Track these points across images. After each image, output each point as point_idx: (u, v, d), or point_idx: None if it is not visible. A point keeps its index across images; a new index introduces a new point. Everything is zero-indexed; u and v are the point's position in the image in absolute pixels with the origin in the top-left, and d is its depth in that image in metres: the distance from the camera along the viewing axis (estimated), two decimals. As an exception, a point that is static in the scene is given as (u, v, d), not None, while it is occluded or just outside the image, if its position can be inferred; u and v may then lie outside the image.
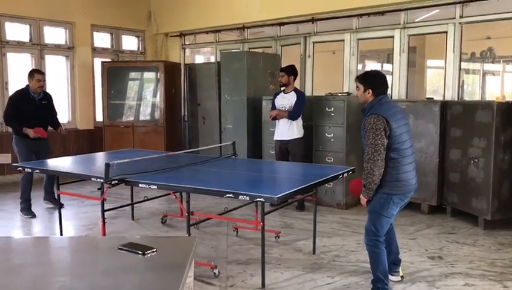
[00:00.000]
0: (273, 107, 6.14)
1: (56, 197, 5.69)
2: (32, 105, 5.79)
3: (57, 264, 2.14)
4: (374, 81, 3.50)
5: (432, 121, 5.74)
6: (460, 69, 6.29)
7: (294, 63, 6.37)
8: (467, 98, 6.90)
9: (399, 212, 3.60)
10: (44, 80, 5.91)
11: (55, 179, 5.05)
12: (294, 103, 5.92)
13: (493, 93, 8.13)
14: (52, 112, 6.11)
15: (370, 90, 3.46)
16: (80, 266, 2.09)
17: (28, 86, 5.82)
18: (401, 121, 3.43)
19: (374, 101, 3.45)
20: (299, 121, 6.01)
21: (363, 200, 3.49)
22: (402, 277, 3.88)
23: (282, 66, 6.33)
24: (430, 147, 5.78)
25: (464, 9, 6.10)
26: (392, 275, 3.76)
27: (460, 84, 6.45)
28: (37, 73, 5.85)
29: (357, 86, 3.58)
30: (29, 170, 4.85)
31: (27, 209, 5.84)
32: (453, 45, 6.21)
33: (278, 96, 6.14)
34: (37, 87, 5.78)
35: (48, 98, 6.02)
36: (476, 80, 8.43)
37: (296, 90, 6.05)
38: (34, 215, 5.81)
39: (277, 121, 6.07)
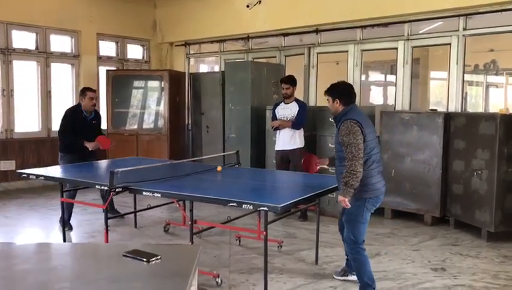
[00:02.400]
0: (274, 117, 6.13)
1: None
2: (84, 124, 5.61)
3: (62, 271, 2.14)
4: (340, 91, 3.74)
5: (436, 133, 5.74)
6: (463, 81, 6.31)
7: (298, 74, 6.43)
8: (470, 110, 6.91)
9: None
10: (96, 98, 5.67)
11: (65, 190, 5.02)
12: (296, 112, 5.93)
13: (496, 105, 8.14)
14: (97, 131, 5.87)
15: (338, 101, 3.68)
16: (85, 272, 2.09)
17: (79, 104, 5.69)
18: (370, 128, 3.62)
19: (345, 109, 3.65)
20: (301, 131, 6.02)
21: (344, 199, 3.49)
22: None
23: (282, 78, 6.28)
24: (433, 158, 5.78)
25: (468, 21, 6.13)
26: (352, 274, 3.93)
27: (464, 96, 6.47)
28: (88, 91, 5.64)
29: (327, 99, 3.81)
30: (34, 177, 4.85)
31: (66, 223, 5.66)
32: (456, 56, 6.23)
33: (278, 107, 6.13)
34: (90, 106, 5.60)
35: (97, 117, 5.86)
36: (480, 92, 8.45)
37: (297, 100, 6.09)
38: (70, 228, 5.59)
39: (278, 131, 6.07)
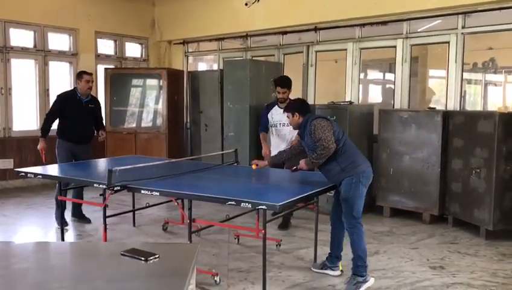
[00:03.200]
0: (265, 119, 5.71)
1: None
2: (79, 107, 5.66)
3: (60, 270, 2.14)
4: (296, 106, 4.12)
5: (434, 131, 5.74)
6: (462, 79, 6.31)
7: (297, 72, 6.38)
8: (468, 108, 6.91)
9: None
10: (93, 81, 5.77)
11: (65, 188, 5.06)
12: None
13: (495, 103, 8.13)
14: (98, 118, 6.00)
15: (297, 114, 4.04)
16: (83, 271, 2.09)
17: (75, 88, 5.77)
18: (334, 123, 4.01)
19: (306, 118, 3.99)
20: (295, 132, 5.55)
21: (304, 166, 3.97)
22: (342, 271, 4.14)
23: (278, 81, 5.71)
24: (432, 156, 5.79)
25: (466, 19, 6.13)
26: (333, 270, 4.12)
27: (463, 94, 6.47)
28: (85, 74, 5.69)
29: (287, 116, 4.16)
30: (32, 176, 4.84)
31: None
32: (455, 55, 6.24)
33: (272, 111, 5.64)
34: (86, 89, 5.66)
35: (95, 102, 5.91)
36: (478, 90, 8.44)
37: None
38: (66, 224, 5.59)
39: (272, 135, 5.69)
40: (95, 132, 5.97)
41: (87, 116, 5.76)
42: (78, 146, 5.69)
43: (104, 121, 6.34)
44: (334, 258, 4.16)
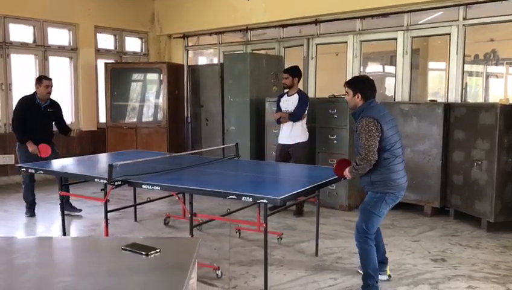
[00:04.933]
0: (278, 109, 6.03)
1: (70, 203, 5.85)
2: (37, 112, 5.70)
3: (61, 264, 2.15)
4: (362, 86, 3.64)
5: (435, 123, 5.73)
6: (463, 71, 6.29)
7: (297, 65, 6.34)
8: (470, 100, 6.89)
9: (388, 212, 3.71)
10: (52, 86, 5.81)
11: (64, 184, 5.08)
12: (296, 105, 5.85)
13: (497, 95, 8.10)
14: (60, 121, 6.03)
15: (359, 95, 3.59)
16: (84, 266, 2.09)
17: (35, 92, 5.77)
18: (391, 123, 3.55)
19: (364, 105, 3.58)
20: (303, 123, 5.90)
21: (348, 174, 3.64)
22: (389, 275, 3.93)
23: (285, 68, 6.20)
24: (433, 149, 5.78)
25: (468, 11, 6.10)
26: (380, 274, 3.82)
27: (464, 87, 6.45)
28: (45, 79, 5.77)
29: (346, 91, 3.70)
30: (33, 171, 4.85)
31: (28, 208, 5.89)
32: (456, 47, 6.21)
33: (282, 99, 6.03)
34: (45, 94, 5.71)
35: (54, 106, 5.93)
36: (480, 82, 8.41)
37: (299, 92, 5.96)
38: (33, 215, 5.87)
39: (281, 124, 5.98)
40: (67, 132, 6.03)
41: (45, 121, 5.82)
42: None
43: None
44: (379, 263, 3.79)
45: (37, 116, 5.70)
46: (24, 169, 4.81)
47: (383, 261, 3.90)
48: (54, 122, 5.99)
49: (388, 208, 3.61)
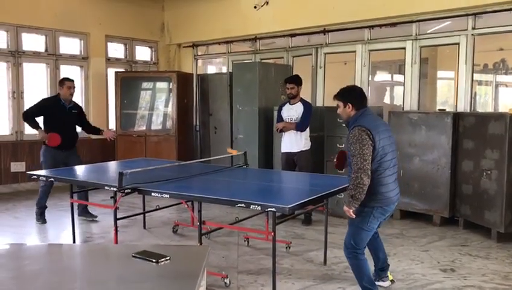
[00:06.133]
0: (280, 119, 6.03)
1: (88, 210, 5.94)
2: (63, 112, 5.81)
3: (72, 271, 2.17)
4: (352, 95, 3.59)
5: (444, 133, 5.71)
6: (472, 80, 6.27)
7: (306, 74, 6.39)
8: (479, 109, 6.87)
9: (382, 224, 3.66)
10: (74, 87, 5.94)
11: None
12: (301, 114, 5.84)
13: (506, 104, 8.07)
14: (83, 122, 6.18)
15: (350, 105, 3.53)
16: (95, 273, 2.12)
17: (58, 94, 5.95)
18: (384, 134, 3.45)
19: (357, 114, 3.51)
20: (307, 132, 5.93)
21: (349, 211, 3.41)
22: (392, 280, 3.93)
23: (286, 78, 6.15)
24: (442, 158, 5.75)
25: (476, 20, 6.09)
26: (382, 281, 3.84)
27: (473, 96, 6.43)
28: (67, 80, 5.89)
29: (337, 104, 3.64)
30: (44, 179, 4.90)
31: (40, 215, 5.93)
32: (465, 56, 6.20)
33: (284, 108, 6.03)
34: (68, 95, 5.84)
35: (77, 107, 6.06)
36: (489, 91, 8.38)
37: (302, 100, 5.96)
38: (45, 222, 5.91)
39: (283, 133, 5.98)
40: (99, 132, 6.21)
41: (70, 121, 5.92)
42: (64, 152, 5.79)
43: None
44: (379, 271, 3.89)
45: (63, 116, 5.81)
46: (36, 176, 4.86)
47: (383, 269, 3.89)
48: (79, 124, 6.13)
49: (378, 222, 3.50)
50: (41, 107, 5.81)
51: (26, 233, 5.65)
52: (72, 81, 5.96)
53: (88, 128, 6.25)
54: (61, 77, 6.31)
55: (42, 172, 5.05)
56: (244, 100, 7.26)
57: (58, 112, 5.79)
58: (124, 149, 8.39)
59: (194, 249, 2.76)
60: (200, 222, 3.88)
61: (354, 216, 3.43)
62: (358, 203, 3.36)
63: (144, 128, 8.85)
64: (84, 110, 6.36)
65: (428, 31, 6.63)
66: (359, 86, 7.10)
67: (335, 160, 3.84)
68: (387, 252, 4.72)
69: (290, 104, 6.00)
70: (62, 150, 5.75)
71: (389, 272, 3.95)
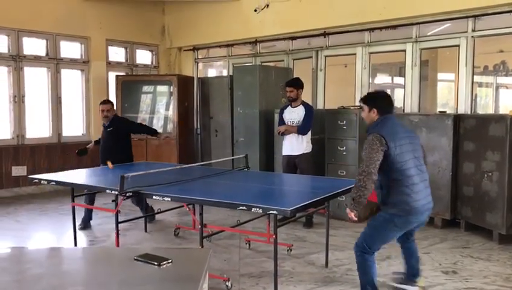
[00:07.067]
0: (281, 122, 6.04)
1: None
2: (103, 133, 6.03)
3: (74, 275, 2.17)
4: (378, 100, 3.54)
5: (445, 135, 5.72)
6: (473, 82, 6.28)
7: (306, 77, 6.39)
8: (480, 111, 6.87)
9: (415, 232, 3.56)
10: (108, 110, 5.95)
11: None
12: (303, 117, 5.84)
13: (507, 106, 8.07)
14: (135, 129, 6.38)
15: (375, 110, 3.49)
16: (97, 276, 2.12)
17: None
18: (403, 140, 3.38)
19: (378, 120, 3.47)
20: (308, 135, 5.92)
21: (351, 213, 3.36)
22: (423, 287, 3.81)
23: (287, 81, 6.16)
24: (443, 160, 5.76)
25: (476, 22, 6.10)
26: (410, 285, 3.72)
27: (473, 98, 6.43)
28: (101, 104, 6.03)
29: (361, 107, 3.62)
30: (46, 182, 4.90)
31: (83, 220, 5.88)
32: (465, 58, 6.21)
33: (285, 111, 6.04)
34: (102, 117, 6.01)
35: (114, 124, 5.98)
36: (489, 93, 8.39)
37: (304, 103, 5.96)
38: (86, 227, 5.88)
39: (284, 136, 5.99)
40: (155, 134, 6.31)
41: (107, 141, 5.96)
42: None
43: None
44: (411, 276, 3.75)
45: (103, 137, 6.03)
46: (37, 180, 4.86)
47: (415, 274, 3.73)
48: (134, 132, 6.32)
49: (400, 231, 3.41)
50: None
51: (27, 237, 5.65)
52: (105, 103, 6.02)
53: (147, 131, 6.36)
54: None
55: (43, 176, 5.05)
56: (245, 103, 7.28)
57: (102, 133, 6.05)
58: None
59: (195, 252, 2.76)
60: (202, 225, 3.88)
61: (355, 219, 3.37)
62: (360, 206, 3.32)
63: (145, 131, 8.84)
64: (127, 119, 6.48)
65: (428, 33, 6.64)
66: (360, 88, 7.15)
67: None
68: (389, 254, 4.74)
69: (291, 107, 5.99)
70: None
71: (421, 278, 3.79)
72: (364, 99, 3.60)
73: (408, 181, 3.31)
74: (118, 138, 5.97)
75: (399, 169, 3.31)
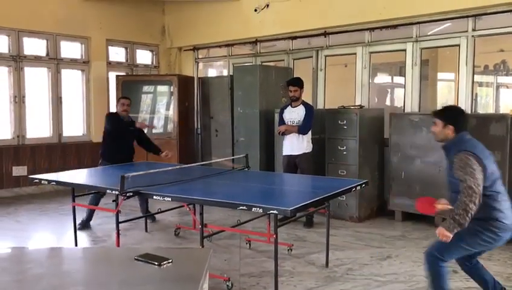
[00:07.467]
0: (281, 121, 6.03)
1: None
2: (124, 127, 5.94)
3: (75, 274, 2.17)
4: (456, 117, 3.33)
5: (445, 134, 5.70)
6: (473, 82, 6.27)
7: (307, 77, 6.39)
8: (480, 110, 6.86)
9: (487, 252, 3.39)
10: (129, 105, 6.02)
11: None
12: (303, 116, 5.84)
13: (507, 105, 8.07)
14: (143, 139, 6.26)
15: (451, 127, 3.28)
16: (98, 276, 2.12)
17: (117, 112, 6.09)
18: (490, 158, 3.23)
19: (457, 138, 3.27)
20: (309, 135, 5.91)
21: (446, 234, 3.05)
22: None
23: (289, 80, 6.14)
24: (443, 160, 5.72)
25: (477, 22, 6.10)
26: None
27: (474, 97, 6.43)
28: (122, 98, 6.10)
29: (433, 122, 3.38)
30: (46, 183, 4.90)
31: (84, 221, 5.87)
32: (465, 58, 6.20)
33: (285, 111, 6.03)
34: (121, 111, 5.96)
35: (133, 125, 6.04)
36: (490, 92, 8.38)
37: (304, 103, 5.96)
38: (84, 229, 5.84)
39: (285, 135, 5.98)
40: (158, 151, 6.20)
41: (128, 137, 6.00)
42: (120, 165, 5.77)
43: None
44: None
45: (124, 131, 5.94)
46: (37, 180, 4.86)
47: (496, 287, 3.46)
48: (137, 141, 6.25)
49: (483, 246, 3.18)
50: (112, 122, 5.95)
51: (27, 237, 5.66)
52: (126, 98, 6.08)
53: (149, 146, 6.28)
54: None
55: (44, 176, 5.06)
56: (245, 103, 7.28)
57: (118, 124, 5.91)
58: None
59: (196, 252, 2.76)
60: (202, 225, 3.88)
61: (448, 240, 3.08)
62: (460, 229, 3.05)
63: (145, 131, 8.82)
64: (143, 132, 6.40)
65: (428, 33, 6.63)
66: (360, 88, 7.15)
67: (418, 202, 3.64)
68: (389, 253, 4.75)
69: (291, 106, 5.99)
70: (119, 162, 5.76)
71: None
72: (440, 114, 3.36)
73: (499, 197, 3.17)
74: (133, 138, 6.11)
75: (491, 186, 3.14)
